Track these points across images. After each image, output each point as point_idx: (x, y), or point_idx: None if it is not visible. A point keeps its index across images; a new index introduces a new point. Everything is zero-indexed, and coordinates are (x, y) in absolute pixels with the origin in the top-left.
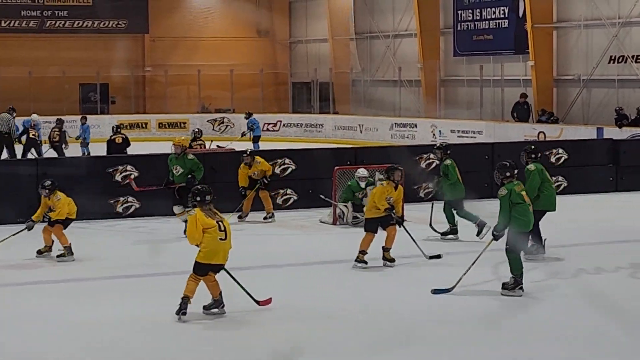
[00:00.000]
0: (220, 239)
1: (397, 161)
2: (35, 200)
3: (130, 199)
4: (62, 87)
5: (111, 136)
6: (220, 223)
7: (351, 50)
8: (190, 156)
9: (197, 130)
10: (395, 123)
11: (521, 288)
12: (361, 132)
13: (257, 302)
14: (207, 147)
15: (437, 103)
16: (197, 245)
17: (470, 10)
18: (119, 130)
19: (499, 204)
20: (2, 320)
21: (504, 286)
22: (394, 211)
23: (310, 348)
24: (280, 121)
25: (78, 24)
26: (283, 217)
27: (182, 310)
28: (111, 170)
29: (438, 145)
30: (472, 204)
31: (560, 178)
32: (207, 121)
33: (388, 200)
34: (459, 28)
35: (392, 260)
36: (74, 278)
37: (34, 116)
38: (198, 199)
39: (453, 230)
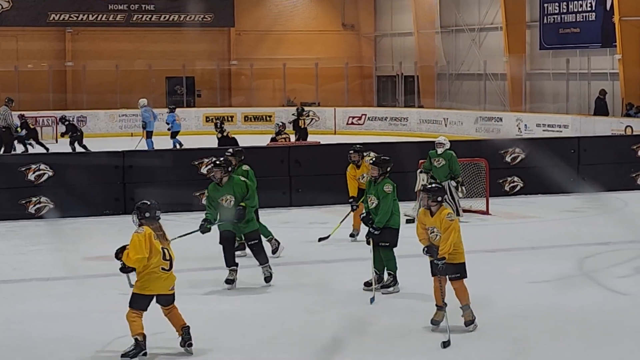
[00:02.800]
0: (163, 269)
1: (483, 154)
2: (120, 192)
3: None
4: (149, 80)
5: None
6: (165, 250)
7: (436, 43)
8: None
9: (281, 124)
10: (480, 117)
11: (397, 283)
12: (446, 125)
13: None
14: (292, 140)
15: (522, 96)
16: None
17: (556, 3)
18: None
19: (381, 199)
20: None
21: (384, 286)
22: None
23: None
24: (365, 115)
25: (164, 17)
26: None
27: (142, 352)
28: (196, 163)
29: (232, 151)
30: None
31: None
32: (292, 114)
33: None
34: (545, 21)
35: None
36: None
37: (142, 101)
38: (147, 214)
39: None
